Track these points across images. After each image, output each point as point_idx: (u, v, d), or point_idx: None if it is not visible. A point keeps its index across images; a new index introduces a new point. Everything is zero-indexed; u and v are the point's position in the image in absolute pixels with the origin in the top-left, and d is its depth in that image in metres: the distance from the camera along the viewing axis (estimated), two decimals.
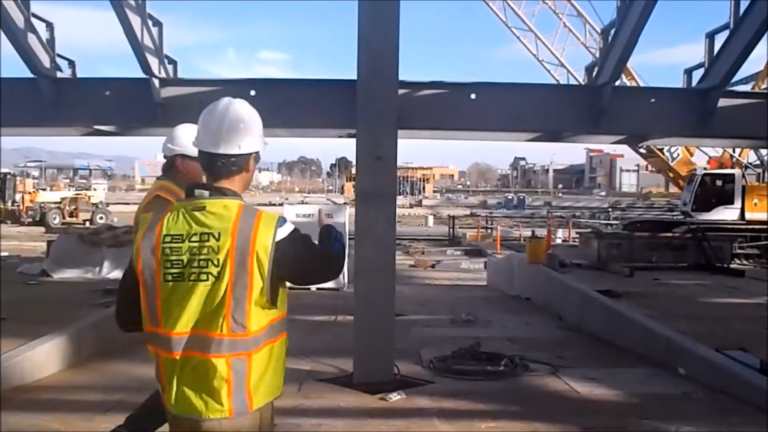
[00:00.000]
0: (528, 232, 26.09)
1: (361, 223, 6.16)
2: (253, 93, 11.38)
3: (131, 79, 11.63)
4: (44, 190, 49.36)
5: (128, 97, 11.67)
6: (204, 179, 2.47)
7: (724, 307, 11.24)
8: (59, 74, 12.05)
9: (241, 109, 2.48)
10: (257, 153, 2.50)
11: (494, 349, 7.75)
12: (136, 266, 2.34)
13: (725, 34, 11.36)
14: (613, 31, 11.27)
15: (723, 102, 11.20)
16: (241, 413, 2.29)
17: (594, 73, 11.85)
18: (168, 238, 2.30)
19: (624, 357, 7.88)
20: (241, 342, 2.27)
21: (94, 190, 57.56)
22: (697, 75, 12.16)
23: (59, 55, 12.33)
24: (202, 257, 2.25)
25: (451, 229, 32.08)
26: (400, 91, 10.94)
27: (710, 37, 11.78)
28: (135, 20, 10.86)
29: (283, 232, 2.34)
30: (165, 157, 3.89)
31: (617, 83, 12.53)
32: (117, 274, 13.08)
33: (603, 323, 9.40)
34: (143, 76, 11.34)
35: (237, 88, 11.72)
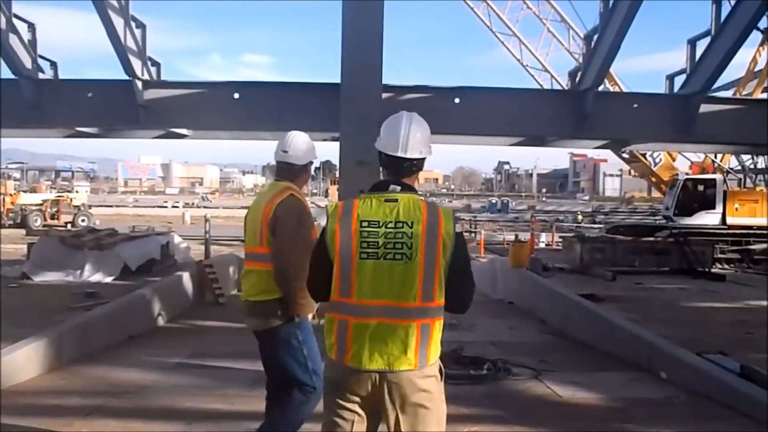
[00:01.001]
0: (512, 236, 26.15)
1: None
2: (236, 96, 11.38)
3: (114, 81, 11.60)
4: (25, 192, 48.90)
5: (111, 98, 11.63)
6: (383, 176, 2.98)
7: (706, 312, 11.31)
8: (41, 75, 11.98)
9: (421, 121, 3.00)
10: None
11: (477, 353, 7.74)
12: (332, 246, 2.80)
13: (707, 40, 11.50)
14: (596, 37, 11.38)
15: (704, 108, 11.33)
16: (422, 367, 2.78)
17: (577, 78, 11.94)
18: (365, 223, 2.77)
19: (607, 361, 7.89)
20: (429, 310, 2.78)
21: (77, 192, 57.06)
22: (679, 81, 12.30)
23: (41, 56, 12.26)
24: (397, 241, 2.74)
25: None
26: (384, 95, 10.98)
27: (692, 43, 11.91)
28: (118, 22, 10.81)
29: (458, 227, 2.86)
30: (289, 164, 4.18)
31: (600, 89, 12.63)
32: (98, 277, 12.96)
33: (586, 328, 9.42)
34: (126, 78, 11.31)
35: (221, 90, 11.73)
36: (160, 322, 10.32)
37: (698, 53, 11.73)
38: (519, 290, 12.75)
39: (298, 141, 4.17)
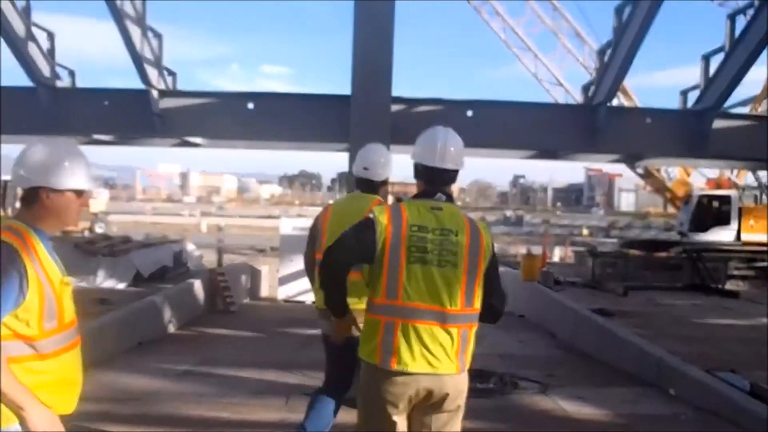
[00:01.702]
0: (524, 249, 26.03)
1: None
2: (251, 106, 11.47)
3: (130, 90, 11.73)
4: None
5: (127, 107, 11.76)
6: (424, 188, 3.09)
7: (718, 328, 11.19)
8: (59, 83, 12.13)
9: (455, 135, 3.16)
10: None
11: (485, 366, 7.69)
12: (381, 243, 2.88)
13: (721, 56, 11.47)
14: (609, 51, 11.37)
15: (718, 123, 11.28)
16: (462, 370, 2.93)
17: (590, 93, 11.94)
18: (415, 228, 2.90)
19: (615, 376, 7.85)
20: (470, 316, 2.93)
21: (95, 199, 57.47)
22: (693, 97, 12.27)
23: (59, 65, 12.42)
24: (444, 248, 2.89)
25: None
26: (396, 107, 11.04)
27: (706, 59, 11.88)
28: (135, 32, 10.94)
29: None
30: (367, 179, 4.45)
31: (614, 103, 12.61)
32: (111, 283, 13.06)
33: (595, 342, 9.38)
34: (142, 87, 11.43)
35: (235, 100, 11.83)
36: (171, 329, 10.38)
37: (712, 69, 11.70)
38: (530, 303, 12.71)
39: (378, 158, 4.44)
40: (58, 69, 12.33)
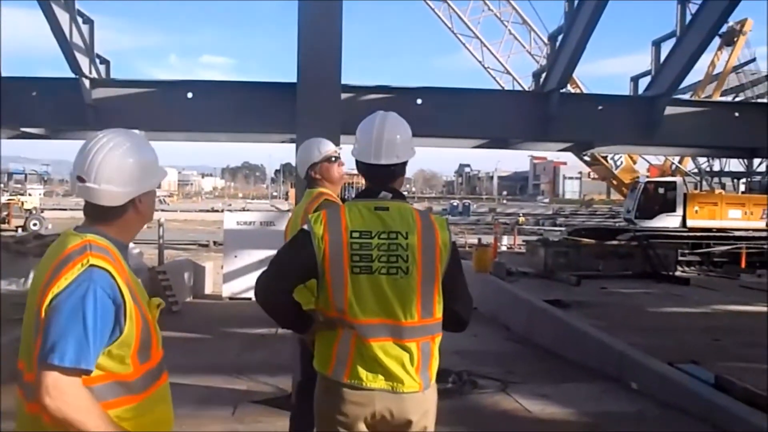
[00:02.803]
0: (474, 239, 25.95)
1: None
2: (190, 95, 10.90)
3: (60, 79, 11.02)
4: None
5: (57, 98, 11.05)
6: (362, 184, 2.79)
7: (673, 317, 11.15)
8: None
9: (397, 121, 2.75)
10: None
11: (441, 363, 7.37)
12: (322, 260, 2.51)
13: (672, 42, 11.37)
14: (560, 37, 11.15)
15: (669, 110, 11.18)
16: (426, 387, 2.59)
17: (541, 80, 11.71)
18: (356, 234, 2.52)
19: (575, 371, 7.62)
20: (429, 327, 2.57)
21: (30, 195, 55.52)
22: (644, 83, 12.17)
23: None
24: (392, 254, 2.52)
25: None
26: (344, 96, 10.58)
27: (656, 45, 11.78)
28: (63, 17, 10.26)
29: (452, 236, 2.65)
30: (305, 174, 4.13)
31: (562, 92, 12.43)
32: None
33: (552, 335, 9.19)
34: (73, 76, 10.74)
35: (173, 89, 11.24)
36: None
37: (663, 55, 11.60)
38: (483, 296, 12.45)
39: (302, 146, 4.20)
40: None
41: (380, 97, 10.99)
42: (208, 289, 14.82)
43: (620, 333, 8.62)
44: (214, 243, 26.72)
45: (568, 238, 20.35)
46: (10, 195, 52.26)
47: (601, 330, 8.52)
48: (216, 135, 12.88)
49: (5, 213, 38.47)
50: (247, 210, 35.67)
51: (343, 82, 10.80)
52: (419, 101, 11.00)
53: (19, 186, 59.21)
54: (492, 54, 28.58)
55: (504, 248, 27.36)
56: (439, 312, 2.58)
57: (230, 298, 13.55)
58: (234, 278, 13.26)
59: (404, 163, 2.72)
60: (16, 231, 34.82)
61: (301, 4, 5.87)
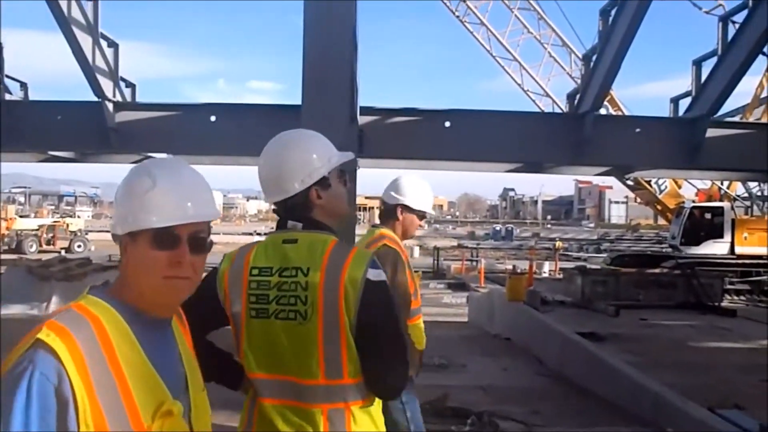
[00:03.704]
0: (516, 264, 25.35)
1: None
2: (213, 119, 10.70)
3: (83, 103, 10.97)
4: (27, 216, 48.45)
5: (80, 121, 10.98)
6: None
7: (717, 354, 10.46)
8: (8, 97, 11.38)
9: (291, 141, 2.25)
10: (333, 173, 2.24)
11: (465, 400, 6.99)
12: (223, 298, 2.16)
13: (713, 61, 10.82)
14: (595, 57, 10.68)
15: (711, 132, 10.59)
16: None
17: (576, 101, 11.23)
18: (255, 271, 2.13)
19: (607, 413, 7.09)
20: (338, 389, 2.05)
21: (78, 217, 56.71)
22: (685, 104, 11.60)
23: (9, 77, 11.67)
24: (291, 293, 2.07)
25: (436, 261, 31.37)
26: (367, 118, 10.31)
27: (697, 64, 11.22)
28: (86, 41, 10.18)
29: (376, 274, 2.08)
30: (384, 203, 3.68)
31: (602, 113, 11.94)
32: None
33: (585, 370, 8.66)
34: (96, 99, 10.67)
35: (196, 113, 11.06)
36: None
37: (704, 75, 11.03)
38: (515, 326, 12.02)
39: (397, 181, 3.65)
40: (8, 81, 11.57)
41: (407, 120, 10.64)
42: None
43: (658, 370, 8.05)
44: None
45: (606, 266, 19.67)
46: (61, 217, 53.49)
47: (636, 367, 7.95)
48: (243, 159, 12.65)
49: (51, 235, 39.20)
50: None
51: (369, 104, 10.68)
52: (447, 124, 10.61)
53: (69, 208, 60.65)
54: (531, 76, 28.09)
55: (545, 275, 26.72)
56: (353, 371, 2.05)
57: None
58: None
59: (321, 185, 2.18)
60: (60, 252, 35.42)
61: (306, 29, 5.56)
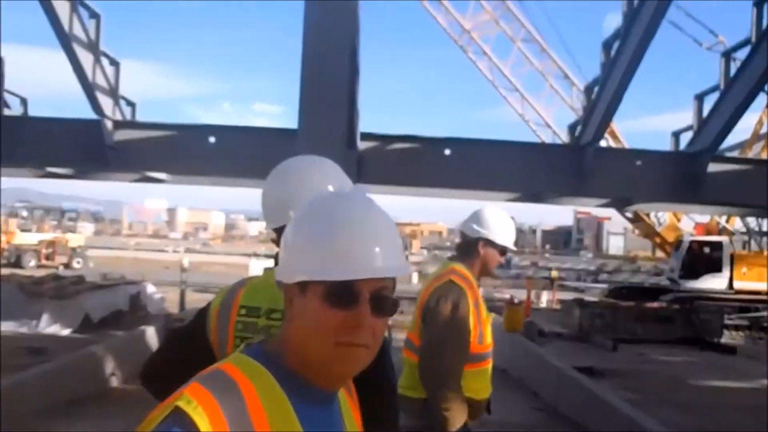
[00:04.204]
0: (513, 293, 25.08)
1: None
2: (212, 140, 10.65)
3: (82, 120, 10.91)
4: (29, 231, 48.31)
5: (79, 138, 10.93)
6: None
7: (717, 393, 10.27)
8: (6, 112, 11.32)
9: (299, 164, 2.09)
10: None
11: None
12: (211, 338, 1.97)
13: (715, 96, 10.80)
14: (597, 89, 10.65)
15: (713, 167, 10.53)
16: None
17: (577, 133, 11.18)
18: (243, 311, 1.94)
19: None
20: None
21: (79, 233, 56.58)
22: (686, 138, 11.56)
23: (8, 92, 11.63)
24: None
25: None
26: (366, 144, 10.26)
27: (699, 98, 11.20)
28: (86, 59, 10.14)
29: None
30: (463, 236, 3.40)
31: (602, 145, 11.90)
32: (55, 329, 12.00)
33: (581, 407, 8.49)
34: (95, 117, 10.62)
35: (195, 133, 11.02)
36: (114, 382, 9.41)
37: (706, 109, 11.01)
38: (511, 357, 11.84)
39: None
40: (7, 96, 11.52)
41: (406, 147, 10.60)
42: None
43: (656, 409, 7.88)
44: None
45: (604, 300, 19.50)
46: (63, 232, 53.41)
47: (634, 405, 7.78)
48: (240, 180, 12.58)
49: (50, 250, 39.05)
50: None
51: (368, 130, 10.64)
52: (448, 152, 10.56)
53: (71, 223, 60.66)
54: (533, 107, 28.13)
55: (543, 305, 26.47)
56: None
57: None
58: None
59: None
60: (58, 268, 35.24)
61: (305, 53, 5.49)
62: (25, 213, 66.82)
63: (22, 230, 44.43)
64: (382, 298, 1.18)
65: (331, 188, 1.97)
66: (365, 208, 1.23)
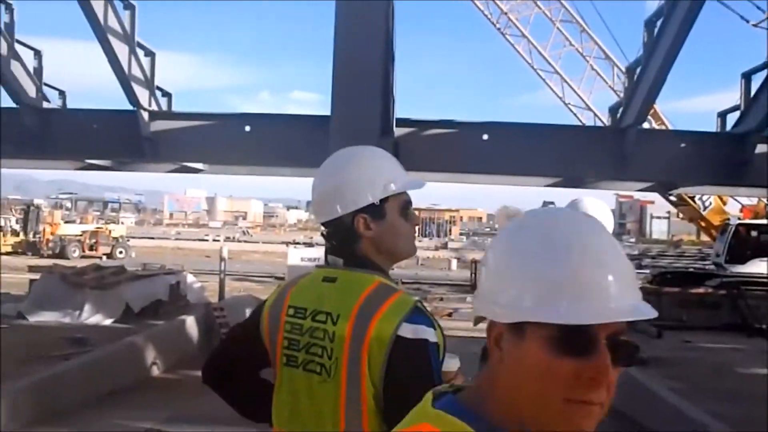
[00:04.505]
0: None
1: None
2: (248, 128, 10.61)
3: (118, 111, 10.96)
4: (73, 222, 49.43)
5: (115, 130, 10.98)
6: None
7: (766, 381, 9.96)
8: (46, 104, 11.43)
9: (338, 163, 1.99)
10: (392, 203, 1.90)
11: None
12: (264, 338, 1.92)
13: (763, 74, 10.40)
14: (639, 69, 10.34)
15: (761, 148, 10.16)
16: None
17: (618, 115, 10.88)
18: (291, 311, 1.87)
19: None
20: None
21: (121, 223, 57.68)
22: (733, 119, 11.17)
23: (47, 85, 11.73)
24: (318, 343, 1.80)
25: (474, 275, 30.96)
26: (403, 131, 10.13)
27: (746, 77, 10.79)
28: (121, 50, 10.17)
29: (413, 330, 1.70)
30: None
31: (644, 127, 11.58)
32: (97, 319, 12.17)
33: (624, 395, 8.21)
34: (131, 108, 10.66)
35: (231, 122, 11.01)
36: (155, 372, 9.51)
37: (754, 88, 10.61)
38: None
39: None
40: (46, 89, 11.63)
41: (443, 132, 10.43)
42: None
43: (702, 398, 7.66)
44: (276, 278, 26.47)
45: (647, 285, 19.08)
46: (105, 223, 54.54)
47: (679, 393, 7.58)
48: (277, 169, 12.55)
49: (93, 241, 39.82)
50: (316, 245, 35.53)
51: (404, 115, 10.50)
52: (485, 137, 10.36)
53: (114, 214, 61.92)
54: (573, 90, 27.65)
55: None
56: None
57: None
58: None
59: (372, 214, 1.86)
60: (101, 258, 35.92)
61: (337, 38, 5.37)
62: (69, 204, 68.56)
63: (66, 221, 45.49)
64: (622, 345, 0.95)
65: (388, 179, 1.89)
66: (594, 231, 0.99)
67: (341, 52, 5.25)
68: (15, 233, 40.12)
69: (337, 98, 5.19)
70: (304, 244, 40.28)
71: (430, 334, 1.72)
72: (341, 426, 1.74)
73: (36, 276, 14.13)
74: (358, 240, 1.86)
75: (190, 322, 11.22)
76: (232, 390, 2.04)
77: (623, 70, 24.06)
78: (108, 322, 12.17)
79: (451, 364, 1.94)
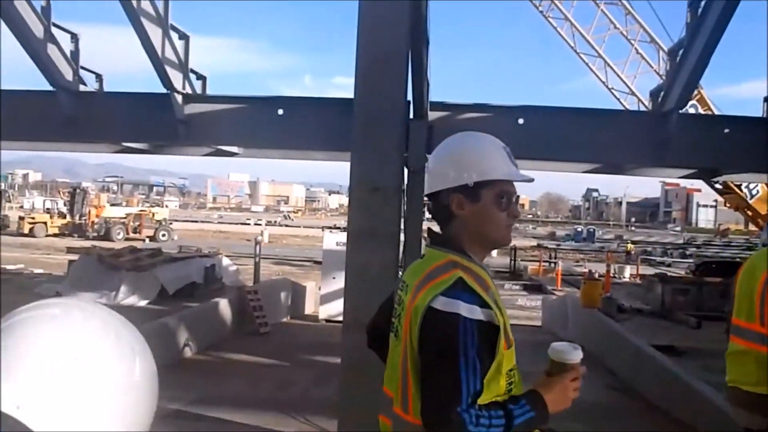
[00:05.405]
0: (595, 267, 24.43)
1: (351, 266, 5.10)
2: (280, 112, 10.56)
3: (152, 94, 10.99)
4: (119, 205, 50.51)
5: (150, 113, 11.02)
6: None
7: None
8: (82, 88, 11.52)
9: (447, 143, 2.13)
10: (488, 190, 1.98)
11: None
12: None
13: None
14: (681, 51, 9.98)
15: None
16: None
17: (660, 99, 10.54)
18: (401, 284, 2.08)
19: None
20: (402, 425, 1.90)
21: (165, 206, 58.69)
22: None
23: (84, 68, 11.79)
24: (398, 309, 2.03)
25: (513, 261, 30.71)
26: (438, 114, 9.97)
27: None
28: (155, 32, 10.16)
29: (446, 303, 1.79)
30: None
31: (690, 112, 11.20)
32: (133, 300, 12.33)
33: (659, 387, 8.09)
34: (165, 91, 10.68)
35: (264, 106, 10.93)
36: (188, 353, 9.62)
37: None
38: (589, 334, 11.48)
39: None
40: (83, 73, 11.71)
41: (478, 116, 10.24)
42: (309, 309, 14.56)
43: None
44: (315, 262, 26.59)
45: (687, 275, 18.63)
46: (150, 206, 55.54)
47: (717, 388, 7.33)
48: (311, 153, 12.50)
49: (137, 223, 40.62)
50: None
51: (438, 99, 10.34)
52: (521, 121, 10.14)
53: (159, 197, 63.01)
54: (616, 74, 27.00)
55: (626, 279, 25.72)
56: (413, 408, 1.84)
57: (326, 321, 13.25)
58: (331, 300, 13.05)
59: (468, 195, 1.96)
60: (145, 240, 36.59)
61: (362, 11, 5.24)
62: (115, 187, 69.94)
63: (112, 204, 46.46)
64: None
65: (489, 166, 1.99)
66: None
67: (365, 33, 5.13)
68: (62, 215, 41.10)
69: (361, 81, 5.09)
70: (342, 228, 40.41)
71: (465, 310, 1.76)
72: (399, 382, 1.91)
73: (75, 257, 14.37)
74: (452, 218, 2.00)
75: (224, 305, 11.30)
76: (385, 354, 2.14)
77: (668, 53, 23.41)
78: (143, 303, 12.34)
79: (575, 354, 1.97)
